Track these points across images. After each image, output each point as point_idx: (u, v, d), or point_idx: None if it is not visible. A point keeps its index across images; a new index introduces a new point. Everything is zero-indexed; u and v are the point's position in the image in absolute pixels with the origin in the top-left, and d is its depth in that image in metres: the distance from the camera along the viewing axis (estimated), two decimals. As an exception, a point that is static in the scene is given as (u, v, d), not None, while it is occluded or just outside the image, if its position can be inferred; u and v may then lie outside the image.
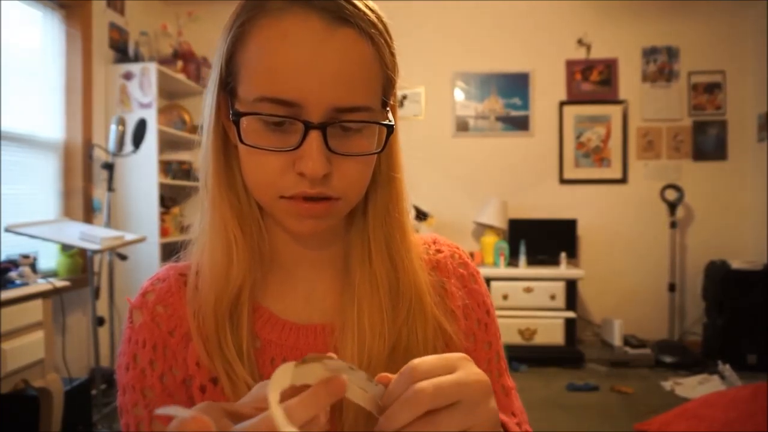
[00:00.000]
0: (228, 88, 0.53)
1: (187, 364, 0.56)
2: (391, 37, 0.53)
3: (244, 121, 0.49)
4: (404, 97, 4.20)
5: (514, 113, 4.26)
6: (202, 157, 0.57)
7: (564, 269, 3.81)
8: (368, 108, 0.51)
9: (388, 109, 0.55)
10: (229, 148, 0.56)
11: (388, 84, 0.54)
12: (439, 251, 0.65)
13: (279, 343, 0.57)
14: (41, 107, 3.07)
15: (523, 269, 3.85)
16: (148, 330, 0.57)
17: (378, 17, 0.52)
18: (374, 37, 0.50)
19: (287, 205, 0.52)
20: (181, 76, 3.78)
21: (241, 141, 0.50)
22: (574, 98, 4.23)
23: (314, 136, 0.48)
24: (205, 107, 0.56)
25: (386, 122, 0.53)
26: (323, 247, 0.60)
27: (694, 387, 3.20)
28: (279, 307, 0.59)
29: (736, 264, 3.64)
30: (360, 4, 0.50)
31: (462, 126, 4.29)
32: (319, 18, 0.48)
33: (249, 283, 0.56)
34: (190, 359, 0.56)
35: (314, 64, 0.47)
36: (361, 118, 0.50)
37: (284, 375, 0.35)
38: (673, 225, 3.99)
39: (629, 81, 4.20)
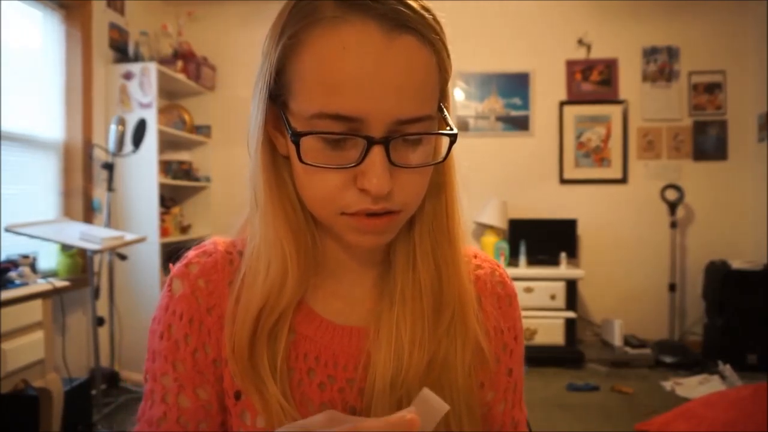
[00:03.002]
0: (279, 101, 0.50)
1: (220, 345, 0.56)
2: (446, 39, 0.51)
3: (303, 140, 0.47)
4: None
5: (514, 113, 4.26)
6: (251, 172, 0.55)
7: (564, 269, 3.81)
8: (429, 117, 0.49)
9: (445, 113, 0.53)
10: (278, 158, 0.54)
11: (444, 88, 0.52)
12: (479, 267, 0.63)
13: (314, 339, 0.57)
14: (41, 107, 3.07)
15: (523, 269, 3.85)
16: (187, 303, 0.57)
17: (435, 19, 0.49)
18: (434, 43, 0.48)
19: (349, 220, 0.50)
20: (181, 76, 3.78)
21: (301, 160, 0.48)
22: (574, 98, 4.23)
23: (377, 151, 0.46)
24: (252, 119, 0.53)
25: (450, 132, 0.51)
26: (371, 255, 0.59)
27: (694, 387, 3.19)
28: (319, 305, 0.58)
29: (736, 264, 3.64)
30: (417, 6, 0.47)
31: (462, 126, 4.28)
32: (378, 26, 0.45)
33: (297, 299, 0.55)
34: (224, 349, 0.56)
35: (377, 76, 0.45)
36: (422, 128, 0.48)
37: None
38: (673, 225, 3.99)
39: (629, 81, 4.20)
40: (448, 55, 0.51)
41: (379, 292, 0.58)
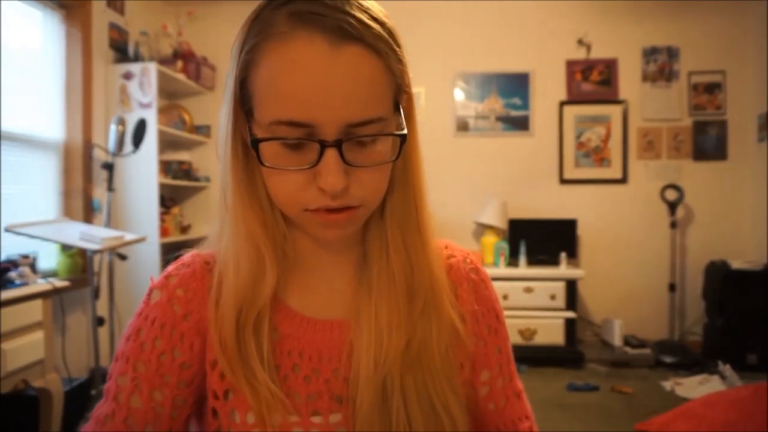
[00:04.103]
0: (245, 108, 0.54)
1: (193, 350, 0.58)
2: (399, 45, 0.54)
3: (263, 145, 0.52)
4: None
5: (514, 113, 4.26)
6: (221, 174, 0.59)
7: (564, 269, 3.81)
8: (381, 118, 0.52)
9: (401, 113, 0.56)
10: (251, 160, 0.57)
11: (398, 90, 0.55)
12: (452, 256, 0.67)
13: (296, 337, 0.60)
14: (41, 107, 3.07)
15: (523, 269, 3.85)
16: (162, 309, 0.59)
17: (385, 28, 0.52)
18: (380, 50, 0.51)
19: (312, 216, 0.54)
20: (181, 76, 3.78)
21: (262, 164, 0.52)
22: (574, 98, 4.23)
23: (330, 153, 0.50)
24: (221, 126, 0.57)
25: (399, 132, 0.54)
26: (344, 248, 0.63)
27: (694, 387, 3.20)
28: (298, 302, 0.61)
29: (736, 264, 3.64)
30: (365, 18, 0.50)
31: (462, 126, 4.29)
32: (325, 39, 0.49)
33: (275, 290, 0.58)
34: (210, 352, 0.58)
35: (324, 86, 0.49)
36: (374, 130, 0.52)
37: None
38: (673, 225, 3.99)
39: (629, 81, 4.20)
40: (400, 60, 0.54)
41: (357, 282, 0.62)
